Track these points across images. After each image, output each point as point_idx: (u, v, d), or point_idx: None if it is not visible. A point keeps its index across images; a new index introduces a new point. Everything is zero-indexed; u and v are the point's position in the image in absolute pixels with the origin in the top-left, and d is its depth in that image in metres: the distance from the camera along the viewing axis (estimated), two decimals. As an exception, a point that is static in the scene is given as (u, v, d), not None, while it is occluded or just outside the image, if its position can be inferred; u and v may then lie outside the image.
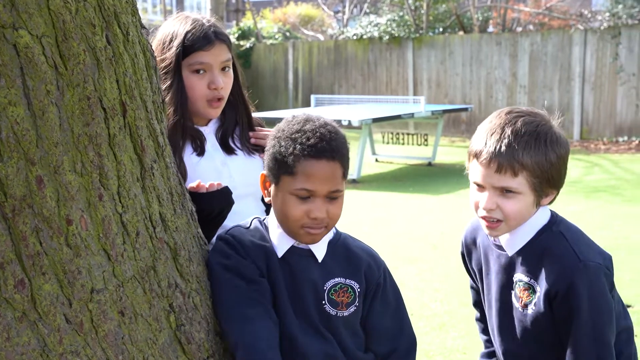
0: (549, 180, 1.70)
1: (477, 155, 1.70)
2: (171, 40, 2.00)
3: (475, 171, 1.72)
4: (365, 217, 7.23)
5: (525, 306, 1.74)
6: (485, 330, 2.03)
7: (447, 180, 9.68)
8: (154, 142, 1.47)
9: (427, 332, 4.10)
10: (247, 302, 1.55)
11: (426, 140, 11.60)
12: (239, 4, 24.28)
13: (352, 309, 1.65)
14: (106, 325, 1.29)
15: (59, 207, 1.24)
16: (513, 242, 1.76)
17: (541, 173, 1.67)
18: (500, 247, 1.82)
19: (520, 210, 1.69)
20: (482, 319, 2.06)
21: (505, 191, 1.67)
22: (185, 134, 2.01)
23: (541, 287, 1.70)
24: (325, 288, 1.63)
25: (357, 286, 1.66)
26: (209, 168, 2.02)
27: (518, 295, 1.76)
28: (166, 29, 2.04)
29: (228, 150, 2.11)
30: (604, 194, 8.24)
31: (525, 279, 1.74)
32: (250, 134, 2.16)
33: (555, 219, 1.78)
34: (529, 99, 13.93)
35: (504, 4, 17.96)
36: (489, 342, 2.03)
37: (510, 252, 1.77)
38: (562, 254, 1.69)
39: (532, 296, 1.72)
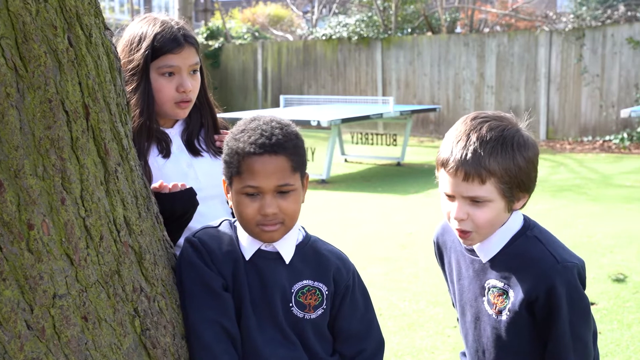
0: (519, 185, 1.68)
1: (444, 164, 1.68)
2: (139, 42, 1.98)
3: (444, 181, 1.70)
4: (335, 217, 7.24)
5: (500, 312, 1.73)
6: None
7: (416, 180, 9.75)
8: (118, 145, 1.46)
9: (395, 331, 4.12)
10: (205, 323, 1.55)
11: (395, 140, 11.66)
12: (208, 4, 24.14)
13: (319, 311, 1.65)
14: (69, 330, 1.27)
15: (19, 212, 1.22)
16: (487, 249, 1.74)
17: (510, 178, 1.64)
18: (472, 252, 1.79)
19: (492, 219, 1.67)
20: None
21: (475, 200, 1.65)
22: (150, 136, 2.00)
23: (516, 292, 1.69)
24: (292, 290, 1.63)
25: (325, 289, 1.66)
26: (175, 170, 2.01)
27: (492, 302, 1.74)
28: (134, 30, 2.02)
29: (194, 152, 2.10)
30: (569, 193, 8.37)
31: (500, 284, 1.72)
32: (216, 136, 2.15)
33: (528, 223, 1.77)
34: (496, 99, 14.09)
35: (471, 5, 18.13)
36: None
37: (485, 258, 1.75)
38: (540, 258, 1.68)
39: (506, 301, 1.71)
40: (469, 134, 1.65)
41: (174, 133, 2.09)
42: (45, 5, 1.27)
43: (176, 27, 2.02)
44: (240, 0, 28.96)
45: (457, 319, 2.06)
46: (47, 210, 1.26)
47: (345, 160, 11.74)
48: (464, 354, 2.04)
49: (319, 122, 9.11)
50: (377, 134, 11.95)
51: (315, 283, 1.65)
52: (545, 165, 10.75)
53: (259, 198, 1.55)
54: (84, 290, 1.31)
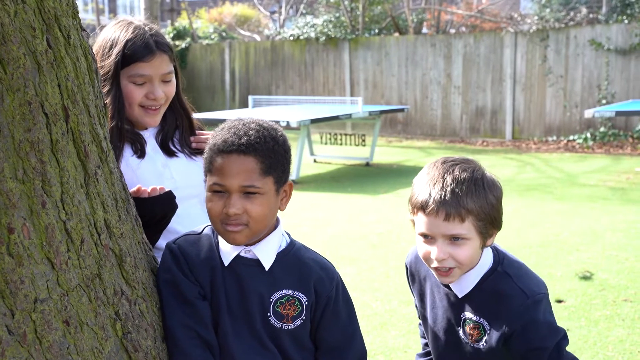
0: (492, 222, 1.76)
1: (423, 207, 1.75)
2: (111, 47, 1.95)
3: (421, 223, 1.76)
4: (305, 218, 7.25)
5: (477, 342, 1.80)
6: (425, 334, 2.08)
7: (385, 180, 9.80)
8: (97, 147, 1.45)
9: (368, 331, 4.14)
10: (181, 329, 1.55)
11: (364, 140, 11.72)
12: (174, 4, 23.96)
13: (298, 322, 1.62)
14: (50, 335, 1.26)
15: (-1, 216, 1.20)
16: (462, 285, 1.81)
17: (485, 216, 1.72)
18: (446, 286, 1.85)
19: (471, 255, 1.74)
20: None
21: (455, 239, 1.72)
22: (123, 137, 1.98)
23: (492, 326, 1.76)
24: (271, 300, 1.61)
25: (305, 299, 1.63)
26: (150, 170, 2.00)
27: (468, 333, 1.81)
28: (107, 35, 1.99)
29: (168, 153, 2.09)
30: (536, 192, 8.50)
31: (474, 318, 1.79)
32: (192, 138, 2.14)
33: (498, 257, 1.84)
34: (463, 100, 14.24)
35: (438, 6, 18.29)
36: (427, 345, 2.08)
37: (460, 294, 1.82)
38: (512, 295, 1.75)
39: (482, 334, 1.78)
40: (443, 176, 1.74)
41: (148, 135, 2.08)
42: (24, 7, 1.26)
43: (149, 33, 1.99)
44: (206, 0, 28.79)
45: (419, 324, 2.11)
46: (28, 213, 1.25)
47: (315, 161, 11.76)
48: (421, 356, 2.09)
49: (288, 122, 9.10)
50: (345, 135, 11.99)
51: (295, 293, 1.62)
52: (512, 165, 10.90)
53: (225, 197, 1.54)
54: (65, 294, 1.30)
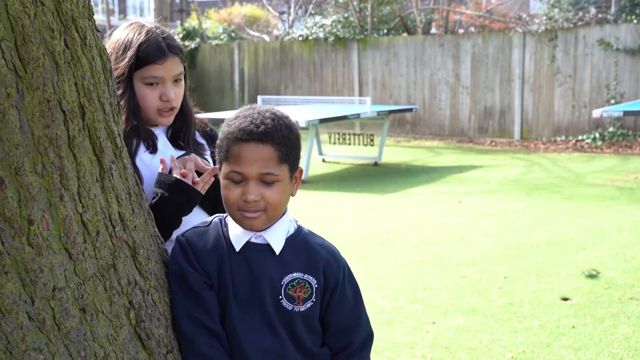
0: None
1: None
2: (125, 50, 2.01)
3: None
4: (313, 217, 7.30)
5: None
6: None
7: (393, 179, 9.85)
8: (112, 143, 1.51)
9: (375, 328, 4.17)
10: (186, 318, 1.60)
11: (372, 140, 11.76)
12: (184, 4, 24.06)
13: (308, 304, 1.66)
14: (68, 322, 1.32)
15: (20, 208, 1.26)
16: None
17: None
18: None
19: None
20: None
21: None
22: (139, 136, 2.05)
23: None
24: (282, 283, 1.64)
25: (315, 282, 1.67)
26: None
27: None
28: (120, 37, 2.05)
29: (178, 147, 2.15)
30: (544, 192, 8.52)
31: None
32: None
33: None
34: (472, 100, 14.26)
35: (446, 6, 18.31)
36: None
37: None
38: None
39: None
40: None
41: (159, 131, 2.15)
42: (43, 9, 1.32)
43: (161, 36, 2.05)
44: (216, 1, 28.90)
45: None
46: (47, 206, 1.31)
47: (323, 160, 11.81)
48: None
49: (296, 122, 9.14)
50: (354, 134, 12.04)
51: (305, 276, 1.66)
52: (520, 165, 10.92)
53: (243, 184, 1.57)
54: (82, 283, 1.36)
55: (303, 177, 9.81)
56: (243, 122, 1.58)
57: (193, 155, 2.04)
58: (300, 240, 1.71)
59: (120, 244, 1.48)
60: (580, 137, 13.01)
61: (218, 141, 1.63)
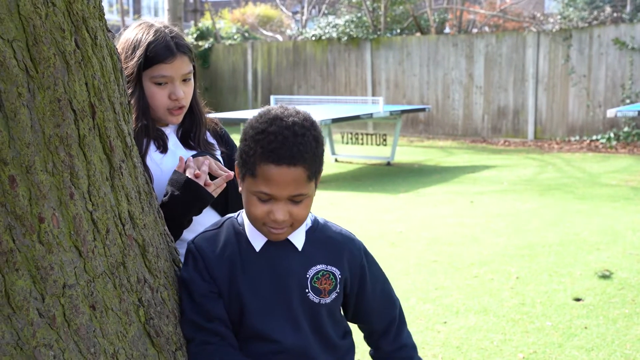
0: None
1: None
2: (134, 50, 2.02)
3: None
4: (326, 217, 7.30)
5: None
6: None
7: (406, 179, 9.83)
8: (122, 142, 1.52)
9: (386, 327, 4.19)
10: (189, 323, 1.61)
11: (385, 140, 11.75)
12: (197, 4, 24.14)
13: (333, 295, 1.66)
14: (78, 319, 1.34)
15: (31, 206, 1.28)
16: None
17: None
18: None
19: None
20: None
21: None
22: (149, 135, 2.07)
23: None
24: (308, 276, 1.64)
25: (339, 272, 1.66)
26: (173, 164, 2.08)
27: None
28: (129, 37, 2.07)
29: (189, 147, 2.17)
30: (557, 192, 8.48)
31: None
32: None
33: None
34: (485, 100, 14.21)
35: (460, 6, 18.25)
36: None
37: None
38: None
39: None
40: None
41: (169, 131, 2.16)
42: (54, 9, 1.33)
43: (170, 35, 2.06)
44: (229, 1, 28.98)
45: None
46: (57, 204, 1.32)
47: (336, 160, 11.82)
48: None
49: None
50: (367, 134, 12.03)
51: (329, 267, 1.66)
52: (533, 165, 10.87)
53: (270, 202, 1.53)
54: (92, 280, 1.37)
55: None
56: (274, 142, 1.49)
57: (209, 157, 2.05)
58: (319, 232, 1.70)
59: (130, 242, 1.49)
60: (594, 137, 12.93)
61: (242, 150, 1.55)
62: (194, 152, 2.15)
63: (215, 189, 1.97)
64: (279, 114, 1.53)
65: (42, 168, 1.30)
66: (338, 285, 1.67)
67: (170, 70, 2.03)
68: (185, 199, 1.92)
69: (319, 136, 1.56)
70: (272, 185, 1.51)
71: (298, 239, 1.65)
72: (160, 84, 2.03)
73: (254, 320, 1.62)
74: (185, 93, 2.08)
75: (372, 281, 1.73)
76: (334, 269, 1.66)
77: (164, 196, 1.95)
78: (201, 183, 1.94)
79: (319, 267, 1.65)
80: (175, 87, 2.04)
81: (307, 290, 1.64)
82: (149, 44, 2.01)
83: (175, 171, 1.98)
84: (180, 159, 2.00)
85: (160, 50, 2.01)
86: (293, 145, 1.49)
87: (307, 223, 1.69)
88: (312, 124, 1.56)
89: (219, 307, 1.62)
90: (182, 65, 2.05)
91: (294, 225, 1.58)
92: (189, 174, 1.94)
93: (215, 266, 1.62)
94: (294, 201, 1.54)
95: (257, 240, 1.64)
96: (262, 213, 1.54)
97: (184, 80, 2.07)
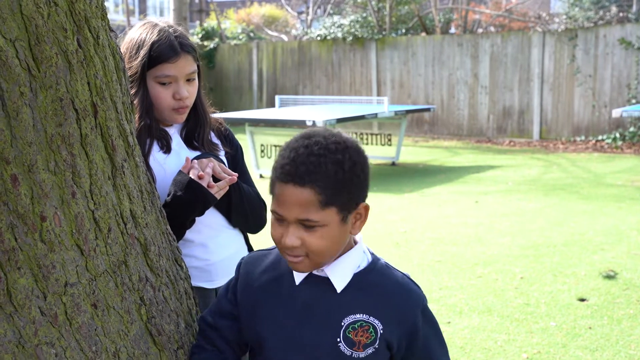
0: None
1: None
2: (138, 49, 2.03)
3: None
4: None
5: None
6: None
7: (411, 179, 9.83)
8: (124, 141, 1.53)
9: (390, 327, 4.19)
10: (199, 325, 1.62)
11: (390, 140, 11.74)
12: (203, 4, 24.17)
13: (369, 350, 1.45)
14: (80, 317, 1.34)
15: (33, 204, 1.28)
16: None
17: None
18: None
19: None
20: None
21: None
22: (152, 135, 2.07)
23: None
24: (343, 324, 1.46)
25: (381, 327, 1.45)
26: (176, 164, 2.08)
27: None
28: (133, 36, 2.07)
29: (192, 147, 2.17)
30: (561, 192, 8.46)
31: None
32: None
33: None
34: (490, 100, 14.18)
35: (465, 5, 18.22)
36: None
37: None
38: None
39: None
40: None
41: (173, 131, 2.16)
42: (56, 9, 1.34)
43: (174, 35, 2.06)
44: (235, 1, 29.01)
45: None
46: (59, 203, 1.33)
47: (340, 160, 11.79)
48: None
49: (314, 122, 9.17)
50: (371, 134, 12.03)
51: (370, 318, 1.45)
52: (538, 165, 10.85)
53: (284, 225, 1.42)
54: (94, 279, 1.38)
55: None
56: (286, 158, 1.40)
57: (213, 159, 2.05)
58: (371, 276, 1.50)
59: (132, 240, 1.50)
60: (600, 137, 12.89)
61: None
62: (197, 153, 2.15)
63: (218, 191, 1.98)
64: (311, 132, 1.43)
65: (44, 167, 1.31)
66: (377, 340, 1.45)
67: (174, 70, 2.03)
68: (187, 199, 1.93)
69: (346, 163, 1.39)
70: (280, 204, 1.40)
71: (339, 278, 1.48)
72: (164, 83, 2.03)
73: (273, 355, 1.51)
74: (190, 93, 2.08)
75: (424, 348, 1.50)
76: (376, 321, 1.45)
77: (167, 196, 1.96)
78: (204, 184, 1.94)
79: (358, 316, 1.46)
80: (180, 87, 2.04)
81: (338, 340, 1.45)
82: (153, 43, 2.01)
83: (180, 172, 1.98)
84: (187, 159, 2.00)
85: (164, 49, 2.01)
86: (302, 164, 1.37)
87: (361, 264, 1.51)
88: (344, 149, 1.40)
89: (227, 327, 1.57)
90: (186, 65, 2.05)
91: (310, 257, 1.42)
92: (192, 175, 1.95)
93: (244, 290, 1.55)
94: (305, 226, 1.40)
95: (299, 273, 1.50)
96: (277, 235, 1.43)
97: (189, 80, 2.08)
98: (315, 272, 1.48)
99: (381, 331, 1.45)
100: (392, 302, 1.47)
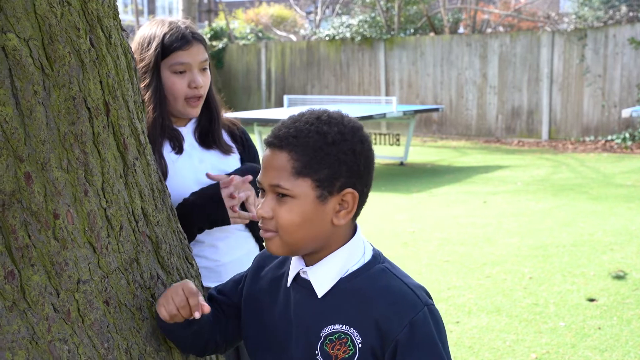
0: None
1: None
2: (149, 42, 2.06)
3: None
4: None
5: None
6: None
7: (419, 179, 9.82)
8: (135, 140, 1.54)
9: (398, 326, 4.19)
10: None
11: (398, 140, 11.74)
12: (211, 5, 24.23)
13: None
14: (92, 314, 1.36)
15: (46, 202, 1.30)
16: None
17: None
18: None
19: None
20: None
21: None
22: (163, 132, 2.08)
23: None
24: (321, 335, 1.31)
25: (359, 339, 1.28)
26: (187, 165, 2.09)
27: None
28: (144, 32, 2.10)
29: (206, 145, 2.18)
30: (570, 192, 8.43)
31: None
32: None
33: None
34: (499, 100, 14.15)
35: (474, 5, 18.19)
36: None
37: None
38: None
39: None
40: None
41: (187, 131, 2.17)
42: (69, 9, 1.35)
43: (183, 26, 2.10)
44: (243, 1, 29.05)
45: None
46: (72, 200, 1.34)
47: (349, 160, 11.79)
48: None
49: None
50: (380, 134, 12.02)
51: (350, 330, 1.29)
52: (547, 165, 10.81)
53: (264, 195, 1.34)
54: (106, 276, 1.39)
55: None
56: (279, 123, 1.34)
57: (253, 190, 2.06)
58: (358, 281, 1.33)
59: (143, 238, 1.51)
60: (609, 137, 12.84)
61: None
62: (211, 152, 2.15)
63: (237, 218, 2.00)
64: (319, 108, 1.36)
65: (57, 165, 1.32)
66: (357, 354, 1.28)
67: (188, 57, 2.05)
68: (205, 213, 1.97)
69: (331, 136, 1.29)
70: (261, 170, 1.34)
71: (321, 281, 1.33)
72: (179, 72, 2.05)
73: (250, 355, 1.46)
74: (204, 82, 2.10)
75: None
76: (355, 332, 1.29)
77: (189, 196, 1.99)
78: (228, 204, 1.97)
79: (337, 326, 1.30)
80: (194, 75, 2.07)
81: (316, 352, 1.31)
82: (165, 34, 2.05)
83: (216, 185, 2.00)
84: (231, 179, 2.01)
85: (176, 38, 2.05)
86: (285, 128, 1.31)
87: (349, 267, 1.34)
88: (337, 124, 1.31)
89: (224, 302, 1.52)
90: (199, 52, 2.08)
91: (280, 235, 1.30)
92: (225, 193, 1.97)
93: (249, 285, 1.48)
94: (278, 196, 1.30)
95: (291, 274, 1.39)
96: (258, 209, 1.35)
97: (202, 70, 2.10)
98: (301, 273, 1.37)
99: (360, 345, 1.27)
100: (372, 310, 1.28)
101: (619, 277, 5.00)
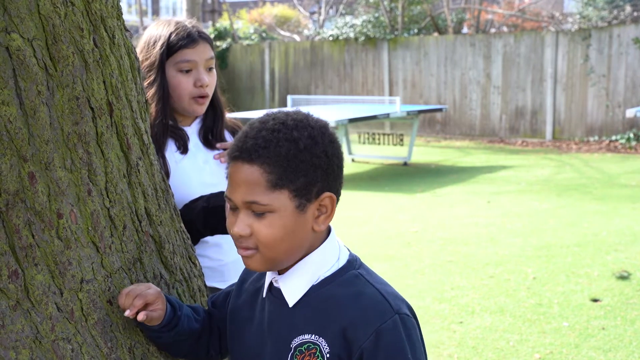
0: None
1: None
2: (155, 41, 2.06)
3: None
4: (342, 217, 7.32)
5: None
6: None
7: (422, 179, 9.81)
8: (139, 140, 1.54)
9: (402, 327, 4.19)
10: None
11: (402, 140, 11.73)
12: (215, 5, 24.26)
13: None
14: (95, 313, 1.36)
15: (50, 202, 1.30)
16: None
17: None
18: None
19: None
20: None
21: None
22: (166, 131, 2.08)
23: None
24: (291, 346, 1.26)
25: (327, 349, 1.23)
26: (192, 165, 2.10)
27: None
28: (151, 32, 2.11)
29: (211, 146, 2.18)
30: (574, 192, 8.42)
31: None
32: (218, 145, 2.21)
33: None
34: (503, 100, 14.13)
35: (478, 5, 18.17)
36: None
37: None
38: None
39: None
40: None
41: (192, 131, 2.17)
42: (73, 9, 1.36)
43: (190, 25, 2.11)
44: (247, 1, 29.07)
45: None
46: (75, 200, 1.34)
47: (353, 160, 11.81)
48: None
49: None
50: (384, 134, 12.02)
51: (319, 339, 1.24)
52: (551, 165, 10.80)
53: (237, 212, 1.26)
54: (109, 276, 1.39)
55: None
56: (240, 135, 1.26)
57: None
58: (329, 287, 1.28)
59: (147, 238, 1.51)
60: (613, 138, 12.81)
61: None
62: (212, 153, 2.16)
63: None
64: (277, 111, 1.29)
65: (60, 165, 1.32)
66: None
67: (194, 55, 2.06)
68: (208, 220, 1.97)
69: (302, 142, 1.23)
70: (229, 186, 1.26)
71: (292, 290, 1.28)
72: (186, 70, 2.05)
73: None
74: (210, 81, 2.10)
75: None
76: (323, 342, 1.23)
77: (195, 201, 1.99)
78: None
79: (306, 336, 1.25)
80: (200, 73, 2.07)
81: None
82: (171, 33, 2.06)
83: (222, 193, 2.00)
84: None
85: (182, 37, 2.05)
86: (252, 139, 1.23)
87: (320, 274, 1.29)
88: (304, 127, 1.24)
89: (212, 321, 1.49)
90: (205, 51, 2.08)
91: (261, 251, 1.24)
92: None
93: (233, 299, 1.45)
94: (255, 212, 1.23)
95: (266, 284, 1.35)
96: (230, 225, 1.27)
97: (209, 69, 2.10)
98: (274, 282, 1.32)
99: (327, 355, 1.22)
100: (340, 318, 1.23)
101: (623, 278, 5.00)
